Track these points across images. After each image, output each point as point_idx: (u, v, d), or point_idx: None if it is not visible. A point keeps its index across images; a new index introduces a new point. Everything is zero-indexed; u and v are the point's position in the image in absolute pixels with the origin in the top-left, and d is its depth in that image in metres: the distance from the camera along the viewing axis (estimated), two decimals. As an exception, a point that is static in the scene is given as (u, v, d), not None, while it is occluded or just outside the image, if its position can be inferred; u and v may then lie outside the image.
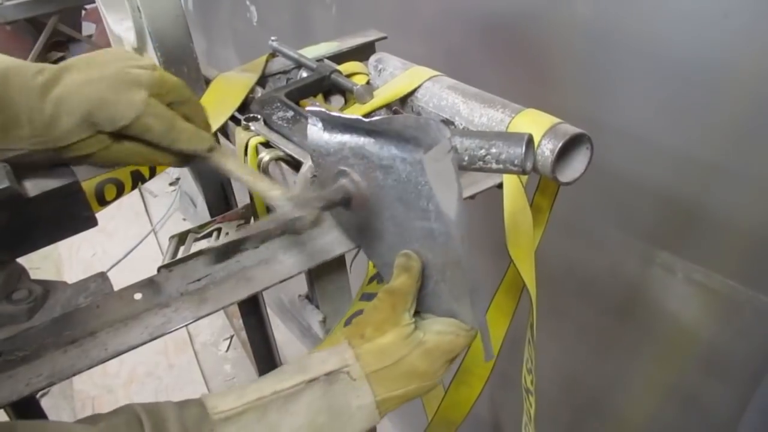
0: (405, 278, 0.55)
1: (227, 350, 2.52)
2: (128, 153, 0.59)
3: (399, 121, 0.51)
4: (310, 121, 0.63)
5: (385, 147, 0.54)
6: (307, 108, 0.74)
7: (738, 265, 0.88)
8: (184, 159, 0.63)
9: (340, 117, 0.59)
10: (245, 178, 0.63)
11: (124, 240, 3.12)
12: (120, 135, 0.57)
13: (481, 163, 0.54)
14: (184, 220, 3.29)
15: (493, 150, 0.53)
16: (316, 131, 0.63)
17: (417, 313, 0.58)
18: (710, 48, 0.80)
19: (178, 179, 3.49)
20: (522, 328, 0.84)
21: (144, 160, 0.61)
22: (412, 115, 0.49)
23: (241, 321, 2.54)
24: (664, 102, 0.89)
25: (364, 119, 0.55)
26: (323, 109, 0.60)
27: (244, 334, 2.50)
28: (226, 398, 0.49)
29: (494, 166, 0.54)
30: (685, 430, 1.06)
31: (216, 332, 2.61)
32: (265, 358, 1.37)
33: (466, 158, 0.56)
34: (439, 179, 0.48)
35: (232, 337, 2.57)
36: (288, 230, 0.52)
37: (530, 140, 0.53)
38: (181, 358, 2.46)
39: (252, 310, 1.27)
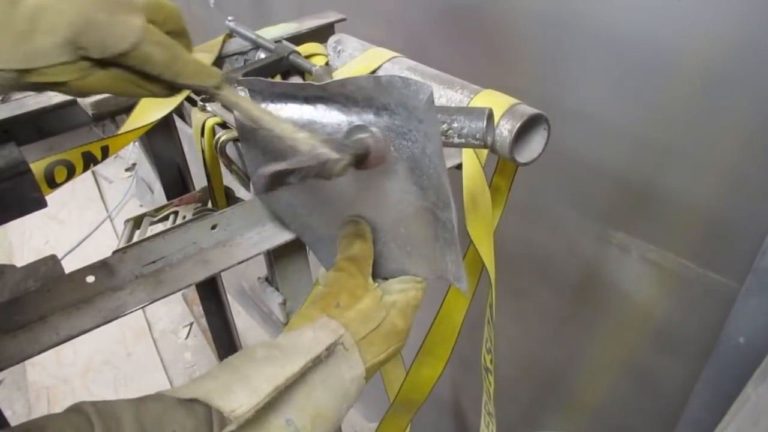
0: (361, 243, 0.55)
1: (187, 337, 2.49)
2: (112, 81, 0.49)
3: (354, 83, 0.50)
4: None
5: (328, 111, 0.55)
6: (238, 77, 0.72)
7: (689, 244, 0.91)
8: (175, 89, 0.53)
9: (279, 85, 0.58)
10: (265, 117, 0.55)
11: (78, 228, 3.05)
12: (107, 62, 0.48)
13: (443, 138, 0.55)
14: (141, 206, 3.23)
15: (455, 125, 0.54)
16: None
17: None
18: (663, 31, 0.81)
19: (134, 165, 3.42)
20: (481, 310, 0.85)
21: (128, 90, 0.51)
22: (369, 76, 0.49)
23: (201, 308, 2.52)
24: (619, 85, 0.90)
25: (311, 84, 0.54)
26: (259, 79, 0.59)
27: (204, 321, 2.47)
28: (236, 395, 0.45)
29: (456, 140, 0.54)
30: (639, 403, 1.09)
31: (175, 319, 2.57)
32: (225, 343, 1.35)
33: None
34: (429, 129, 0.48)
35: (191, 324, 2.53)
36: (323, 173, 0.50)
37: (491, 114, 0.53)
38: (140, 346, 2.41)
39: (211, 294, 1.26)
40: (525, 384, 1.38)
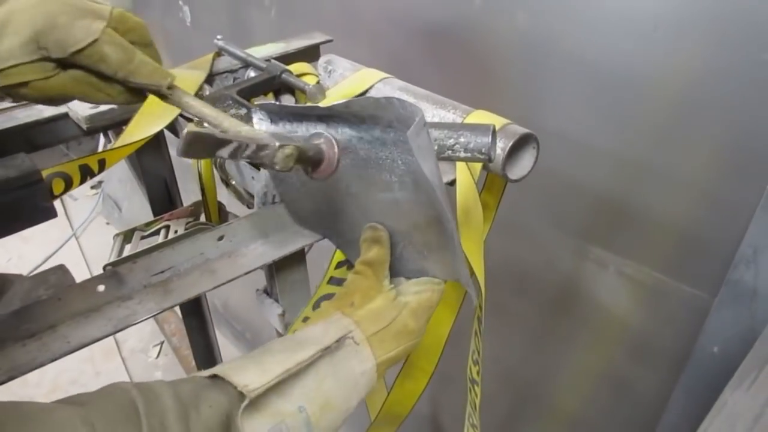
0: (377, 249, 0.59)
1: (157, 356, 2.45)
2: (73, 83, 0.54)
3: (357, 103, 0.54)
4: (255, 117, 0.64)
5: (339, 129, 0.57)
6: (256, 102, 0.75)
7: (664, 258, 0.95)
8: (134, 95, 0.59)
9: (290, 107, 0.61)
10: (212, 115, 0.59)
11: (43, 245, 2.99)
12: (67, 64, 0.53)
13: (449, 152, 0.58)
14: (108, 224, 3.18)
15: (462, 139, 0.57)
16: (264, 126, 0.64)
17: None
18: (640, 58, 0.86)
19: (100, 182, 3.37)
20: (461, 324, 0.87)
21: (88, 93, 0.56)
22: (369, 97, 0.52)
23: (172, 326, 2.49)
24: (597, 107, 0.94)
25: (319, 106, 0.57)
26: (272, 101, 0.61)
27: (175, 340, 2.44)
28: (250, 373, 0.47)
29: (462, 154, 0.57)
30: (617, 413, 1.13)
31: (145, 338, 2.53)
32: (207, 361, 1.35)
33: (436, 147, 0.59)
34: (420, 151, 0.51)
35: (162, 343, 2.50)
36: (259, 157, 0.51)
37: (494, 130, 0.57)
38: (109, 365, 2.37)
39: (194, 311, 1.26)
40: (503, 396, 1.40)
